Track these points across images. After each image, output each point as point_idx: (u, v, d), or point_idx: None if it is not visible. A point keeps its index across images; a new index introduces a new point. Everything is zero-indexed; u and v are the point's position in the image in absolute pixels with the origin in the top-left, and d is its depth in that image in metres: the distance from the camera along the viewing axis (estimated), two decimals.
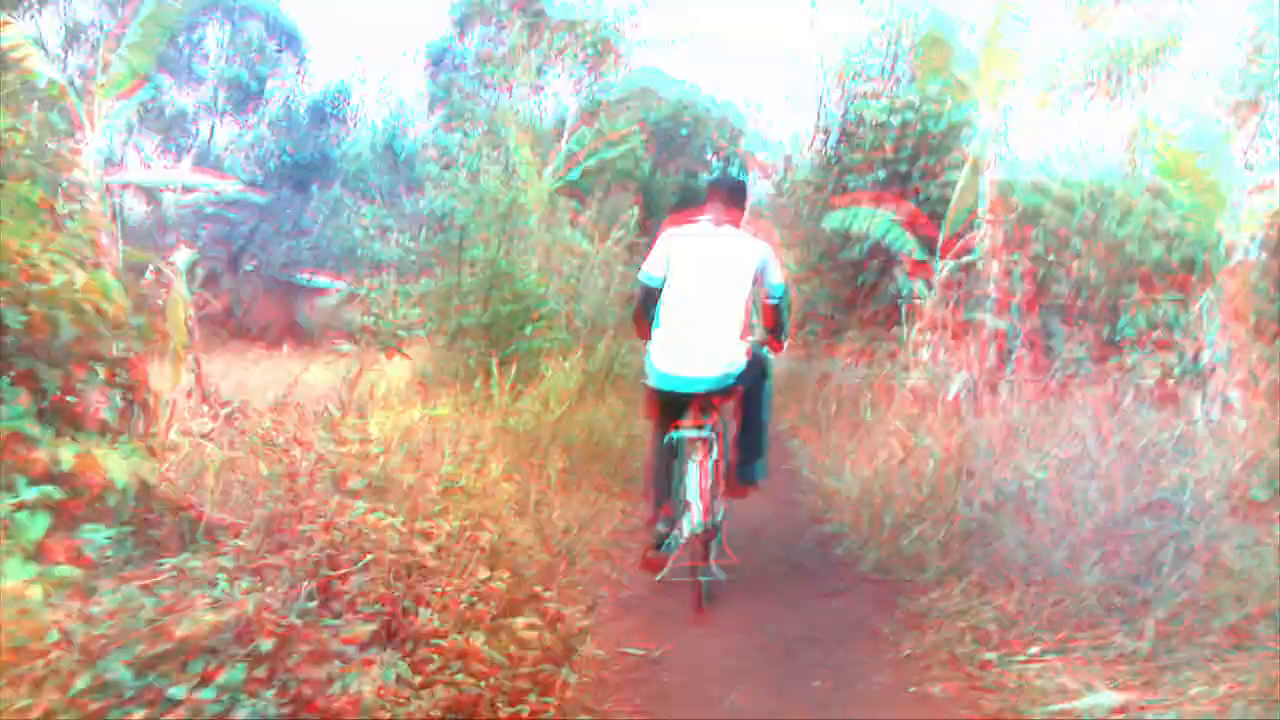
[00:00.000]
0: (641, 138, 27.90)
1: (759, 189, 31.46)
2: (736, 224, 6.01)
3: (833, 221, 14.25)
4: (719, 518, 5.82)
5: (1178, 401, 9.94)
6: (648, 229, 27.63)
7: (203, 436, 5.99)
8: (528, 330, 10.84)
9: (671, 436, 5.65)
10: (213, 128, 26.44)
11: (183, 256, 10.48)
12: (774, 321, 6.26)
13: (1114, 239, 13.96)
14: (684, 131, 33.63)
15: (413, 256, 14.99)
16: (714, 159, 34.27)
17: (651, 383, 5.82)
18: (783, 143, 31.78)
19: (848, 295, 15.43)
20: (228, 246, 25.01)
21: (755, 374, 5.97)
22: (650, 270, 5.91)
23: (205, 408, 9.42)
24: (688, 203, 31.10)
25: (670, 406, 5.76)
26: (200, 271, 11.47)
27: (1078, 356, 12.59)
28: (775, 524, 8.25)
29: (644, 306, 5.97)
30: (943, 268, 13.21)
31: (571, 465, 8.43)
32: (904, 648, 5.37)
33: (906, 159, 14.45)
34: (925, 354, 13.14)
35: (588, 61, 29.82)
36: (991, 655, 5.04)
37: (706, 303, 5.67)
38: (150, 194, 22.71)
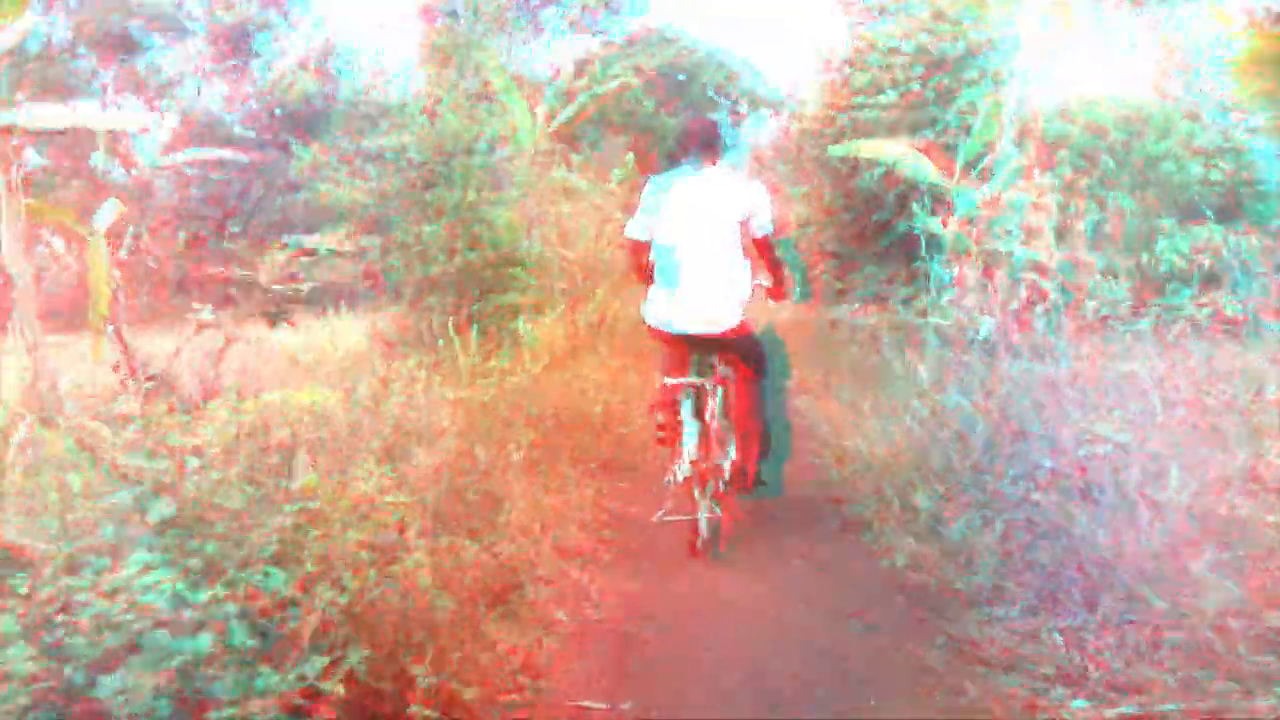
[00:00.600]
0: (639, 81, 26.63)
1: (765, 128, 30.31)
2: (714, 164, 5.71)
3: (840, 151, 12.64)
4: (717, 461, 5.62)
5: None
6: (644, 175, 26.24)
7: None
8: (507, 281, 9.25)
9: (665, 382, 5.63)
10: (199, 87, 24.76)
11: (107, 215, 8.90)
12: (769, 260, 5.99)
13: (1149, 157, 12.40)
14: (681, 76, 32.15)
15: (370, 203, 13.39)
16: (719, 100, 32.79)
17: (651, 326, 5.75)
18: (781, 89, 30.65)
19: (859, 232, 13.84)
20: (221, 208, 23.44)
21: (752, 354, 5.81)
22: (637, 223, 5.76)
23: (133, 383, 8.01)
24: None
25: (671, 350, 5.73)
26: (133, 230, 9.85)
27: (1117, 294, 11.08)
28: (788, 508, 6.67)
29: (635, 260, 5.90)
30: (965, 197, 11.60)
31: (544, 438, 6.93)
32: (964, 689, 3.87)
33: (919, 78, 12.80)
34: (948, 294, 11.56)
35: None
36: (1082, 704, 3.55)
37: (698, 248, 5.49)
38: (127, 157, 21.11)
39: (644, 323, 5.84)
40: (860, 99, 13.11)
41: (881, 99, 12.70)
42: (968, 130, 12.21)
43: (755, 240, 5.75)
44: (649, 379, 8.02)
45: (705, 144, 5.65)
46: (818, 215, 14.66)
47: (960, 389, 7.09)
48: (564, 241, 14.04)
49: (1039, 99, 12.18)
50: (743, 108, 33.32)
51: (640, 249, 5.77)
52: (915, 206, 12.54)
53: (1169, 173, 12.63)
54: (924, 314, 11.86)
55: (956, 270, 11.47)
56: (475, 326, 8.36)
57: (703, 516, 5.53)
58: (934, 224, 11.51)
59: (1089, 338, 9.72)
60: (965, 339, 9.96)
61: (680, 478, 5.57)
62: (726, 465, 5.67)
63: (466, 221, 9.11)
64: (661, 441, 5.80)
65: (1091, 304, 10.56)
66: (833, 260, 15.57)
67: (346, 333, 9.57)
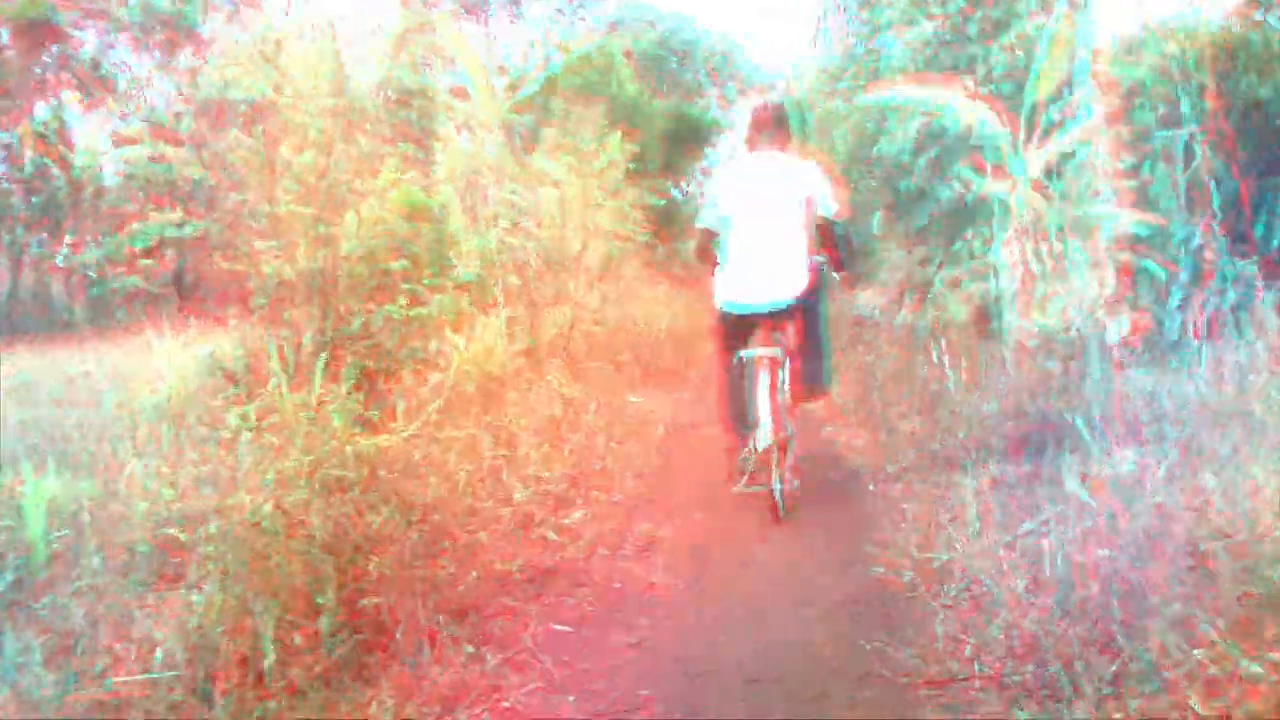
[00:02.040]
0: (623, 54, 23.72)
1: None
2: (784, 147, 5.59)
3: (866, 101, 9.34)
4: (790, 431, 5.40)
5: None
6: (635, 159, 23.01)
7: None
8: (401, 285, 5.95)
9: (740, 355, 5.42)
10: (144, 77, 21.34)
11: None
12: (831, 241, 5.57)
13: (1250, 100, 9.04)
14: (674, 61, 29.15)
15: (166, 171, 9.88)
16: (711, 85, 29.76)
17: (720, 307, 5.59)
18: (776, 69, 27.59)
19: (885, 206, 10.48)
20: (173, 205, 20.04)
21: (815, 290, 5.52)
22: (708, 211, 5.65)
23: None
24: (681, 133, 27.01)
25: (739, 329, 5.50)
26: None
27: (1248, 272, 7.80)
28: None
29: (704, 246, 5.74)
30: (1030, 157, 8.29)
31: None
32: None
33: (960, 11, 9.45)
34: (1012, 280, 8.27)
35: None
36: None
37: (766, 230, 5.37)
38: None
39: (720, 312, 5.63)
40: (886, 38, 9.79)
41: (911, 35, 9.39)
42: (1018, 71, 8.92)
43: (819, 222, 5.49)
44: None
45: (776, 128, 5.56)
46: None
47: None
48: (520, 230, 10.76)
49: (1108, 30, 8.91)
50: (736, 90, 30.23)
51: (710, 236, 5.64)
52: (963, 170, 9.22)
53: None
54: (983, 310, 8.56)
55: (1017, 247, 8.18)
56: (349, 353, 5.10)
57: (778, 487, 5.25)
58: (998, 188, 8.21)
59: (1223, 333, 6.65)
60: (1059, 343, 6.72)
61: (760, 449, 5.27)
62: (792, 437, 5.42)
63: (338, 198, 5.76)
64: (731, 430, 5.67)
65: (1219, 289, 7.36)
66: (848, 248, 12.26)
67: (172, 358, 6.24)
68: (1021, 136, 8.32)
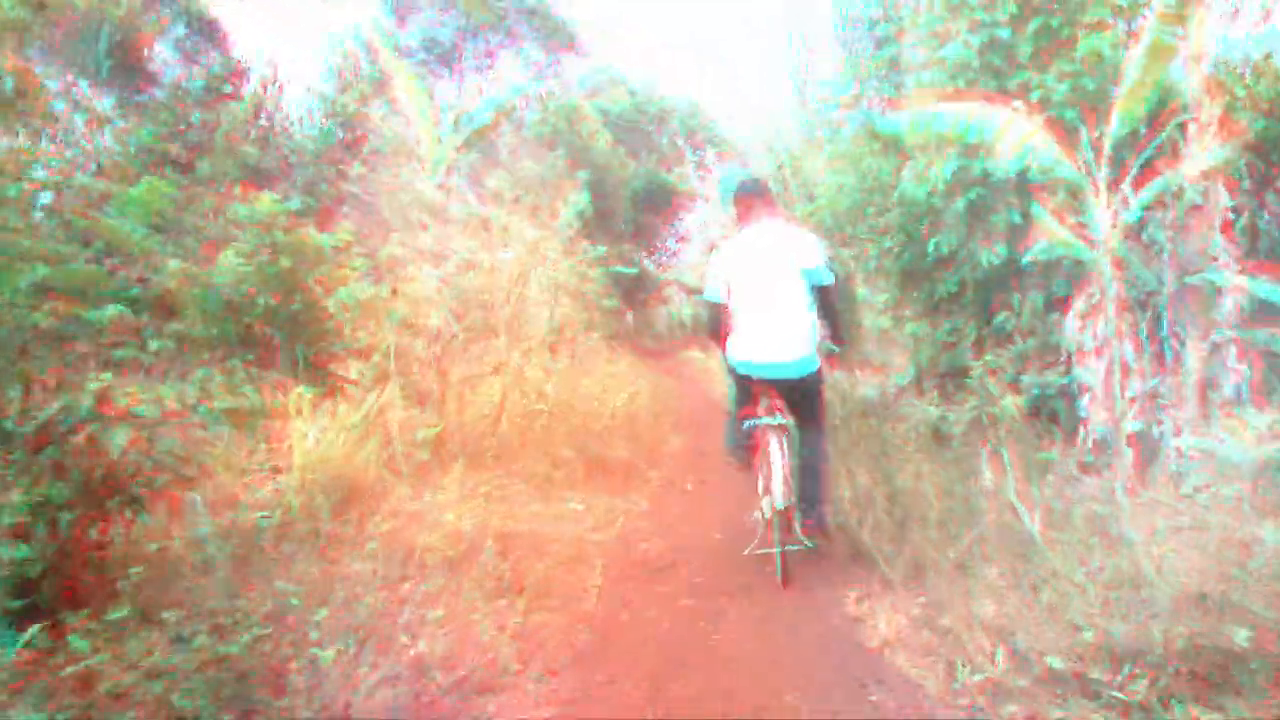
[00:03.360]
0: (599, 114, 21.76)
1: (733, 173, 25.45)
2: (775, 214, 5.45)
3: (889, 129, 6.85)
4: (796, 497, 5.04)
5: None
6: (604, 220, 20.65)
7: None
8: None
9: (752, 423, 5.14)
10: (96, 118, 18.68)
11: None
12: (827, 308, 5.33)
13: None
14: (649, 126, 27.06)
15: None
16: (687, 150, 27.59)
17: (737, 372, 5.24)
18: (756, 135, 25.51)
19: (903, 269, 7.90)
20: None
21: (821, 400, 5.38)
22: (713, 287, 5.41)
23: None
24: (655, 199, 24.70)
25: (754, 394, 5.20)
26: None
27: None
28: None
29: (713, 321, 5.50)
30: (1123, 199, 5.77)
31: None
32: None
33: (1007, 21, 7.00)
34: (1094, 371, 5.71)
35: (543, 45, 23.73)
36: None
37: (772, 298, 5.14)
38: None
39: (730, 369, 5.30)
40: (912, 53, 7.26)
41: (948, 51, 6.87)
42: (1086, 97, 6.48)
43: (817, 289, 5.21)
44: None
45: (764, 199, 5.44)
46: (820, 220, 8.67)
47: None
48: (446, 284, 8.16)
49: (1223, 36, 6.51)
50: (712, 155, 27.99)
51: (719, 311, 5.36)
52: (1014, 218, 6.73)
53: None
54: (1041, 407, 6.04)
55: (1101, 321, 5.65)
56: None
57: (778, 551, 4.86)
58: (1070, 245, 5.68)
59: None
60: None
61: (768, 514, 4.96)
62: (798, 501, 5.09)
63: None
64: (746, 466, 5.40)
65: None
66: (852, 312, 9.73)
67: None
68: (1102, 176, 5.80)
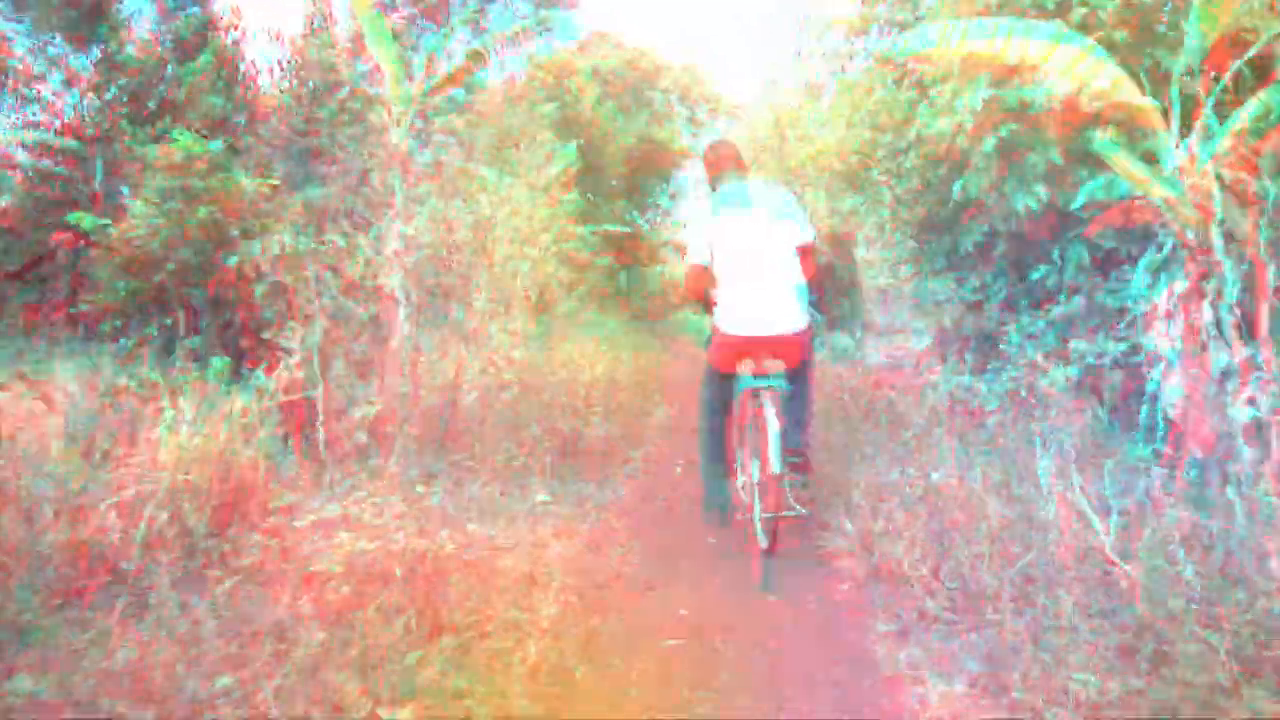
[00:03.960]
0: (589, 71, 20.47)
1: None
2: (746, 173, 5.28)
3: (904, 52, 5.66)
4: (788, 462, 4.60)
5: None
6: (594, 176, 19.44)
7: None
8: None
9: (746, 383, 4.79)
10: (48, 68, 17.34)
11: None
12: (810, 266, 5.00)
13: None
14: (642, 83, 25.78)
15: None
16: (681, 107, 26.29)
17: (723, 331, 4.90)
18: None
19: (920, 220, 6.72)
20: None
21: (811, 357, 5.10)
22: (696, 249, 5.04)
23: None
24: (648, 157, 23.44)
25: (740, 356, 4.84)
26: None
27: None
28: None
29: (698, 281, 5.05)
30: (1203, 129, 4.57)
31: None
32: None
33: None
34: (1169, 337, 4.53)
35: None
36: None
37: (761, 256, 4.86)
38: None
39: (718, 330, 4.94)
40: None
41: None
42: (1139, 14, 5.32)
43: (799, 247, 4.93)
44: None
45: (735, 161, 5.23)
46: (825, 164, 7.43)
47: None
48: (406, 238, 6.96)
49: None
50: (707, 111, 26.68)
51: (703, 274, 4.98)
52: (1053, 157, 5.57)
53: None
54: (1099, 382, 4.92)
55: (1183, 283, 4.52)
56: None
57: (759, 518, 4.52)
58: (1152, 180, 4.50)
59: None
60: None
61: (757, 478, 4.60)
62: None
63: None
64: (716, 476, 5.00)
65: None
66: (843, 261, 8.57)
67: None
68: (1175, 101, 4.61)
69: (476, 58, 12.42)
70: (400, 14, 19.12)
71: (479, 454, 5.93)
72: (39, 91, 16.53)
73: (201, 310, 6.21)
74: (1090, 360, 5.18)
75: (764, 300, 4.79)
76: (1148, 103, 4.69)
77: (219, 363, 5.22)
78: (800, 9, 12.56)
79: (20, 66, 16.27)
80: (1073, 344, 5.23)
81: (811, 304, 5.03)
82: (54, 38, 16.35)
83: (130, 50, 16.15)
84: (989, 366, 5.81)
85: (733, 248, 4.90)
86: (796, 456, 4.81)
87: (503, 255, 9.79)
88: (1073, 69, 4.86)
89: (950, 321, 6.33)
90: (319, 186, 6.77)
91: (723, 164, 5.23)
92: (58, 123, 15.88)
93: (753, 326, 4.77)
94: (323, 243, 6.60)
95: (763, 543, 4.40)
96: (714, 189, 5.27)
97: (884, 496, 4.35)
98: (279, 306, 5.78)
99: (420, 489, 4.85)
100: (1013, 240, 6.17)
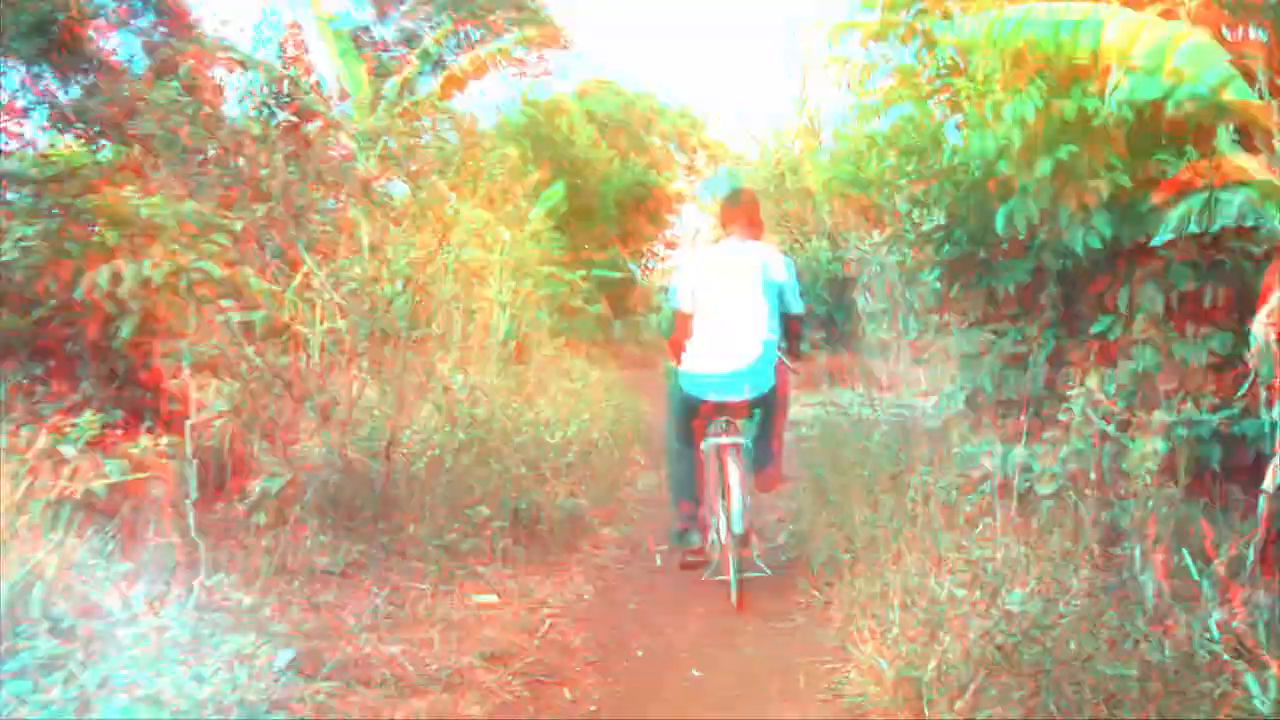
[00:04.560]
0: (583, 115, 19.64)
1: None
2: (759, 236, 5.08)
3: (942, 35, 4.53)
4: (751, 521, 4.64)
5: None
6: (584, 220, 18.41)
7: None
8: None
9: (708, 443, 4.71)
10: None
11: None
12: (793, 336, 5.07)
13: None
14: (638, 129, 24.99)
15: None
16: (677, 153, 25.43)
17: (686, 391, 4.83)
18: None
19: (949, 260, 5.54)
20: None
21: (780, 386, 4.90)
22: (680, 295, 5.00)
23: None
24: (642, 198, 22.57)
25: (703, 414, 4.77)
26: None
27: None
28: None
29: (675, 330, 5.04)
30: None
31: None
32: None
33: None
34: None
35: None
36: None
37: (736, 319, 4.75)
38: None
39: (680, 388, 4.84)
40: None
41: None
42: None
43: (786, 316, 4.89)
44: None
45: (749, 217, 5.03)
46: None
47: None
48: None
49: None
50: (702, 158, 25.71)
51: (685, 320, 4.90)
52: (1110, 179, 4.42)
53: None
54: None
55: None
56: None
57: (735, 577, 4.42)
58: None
59: None
60: None
61: (724, 539, 4.51)
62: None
63: None
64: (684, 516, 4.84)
65: None
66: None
67: None
68: None
69: (452, 83, 11.37)
70: (372, 34, 18.20)
71: (414, 535, 4.72)
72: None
73: (87, 355, 5.01)
74: (1180, 432, 3.97)
75: (732, 362, 4.63)
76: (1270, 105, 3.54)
77: (93, 422, 4.00)
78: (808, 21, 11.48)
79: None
80: (1156, 413, 4.02)
81: (785, 355, 4.94)
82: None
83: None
84: (1043, 437, 4.60)
85: (713, 302, 4.77)
86: (769, 472, 4.88)
87: (472, 298, 8.64)
88: (1163, 64, 3.71)
89: (990, 381, 5.13)
90: (245, 209, 5.56)
91: (733, 220, 5.02)
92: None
93: (717, 391, 4.63)
94: (236, 274, 5.41)
95: (732, 601, 4.37)
96: (720, 235, 5.11)
97: (934, 632, 3.09)
98: (159, 351, 4.58)
99: (297, 583, 3.63)
100: (1064, 282, 5.00)
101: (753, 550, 4.64)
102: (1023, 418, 4.56)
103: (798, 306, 4.94)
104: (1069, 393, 4.42)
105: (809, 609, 4.23)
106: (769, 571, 4.64)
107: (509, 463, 5.54)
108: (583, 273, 15.26)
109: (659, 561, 5.07)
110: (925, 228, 5.55)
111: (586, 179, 18.86)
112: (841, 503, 4.94)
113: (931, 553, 3.73)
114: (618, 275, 19.71)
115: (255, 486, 4.36)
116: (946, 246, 5.46)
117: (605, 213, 20.43)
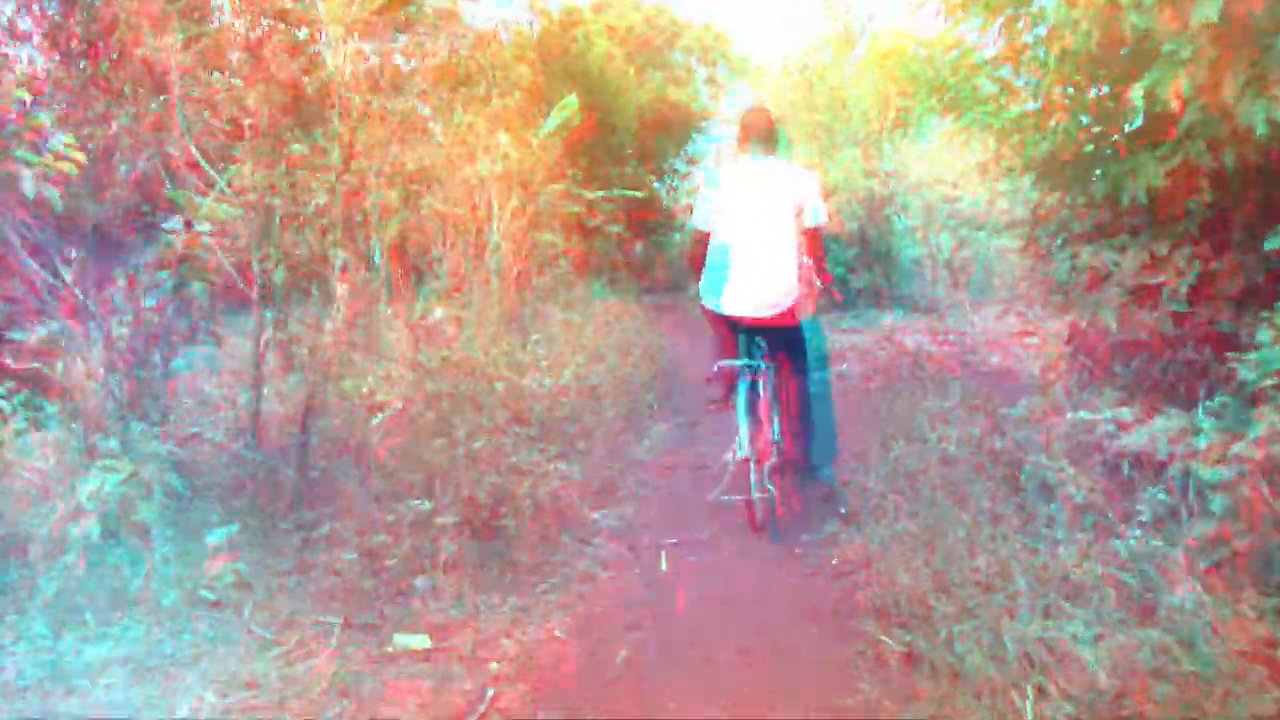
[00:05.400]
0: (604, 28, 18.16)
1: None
2: (772, 154, 4.73)
3: None
4: (770, 439, 4.30)
5: None
6: (603, 137, 16.88)
7: None
8: None
9: (721, 365, 4.56)
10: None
11: None
12: (816, 249, 4.69)
13: None
14: (660, 41, 23.46)
15: None
16: (700, 67, 23.79)
17: (711, 309, 4.56)
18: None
19: (1053, 153, 4.02)
20: None
21: (798, 343, 4.61)
22: (701, 215, 4.69)
23: None
24: (666, 119, 20.99)
25: (724, 333, 4.64)
26: None
27: None
28: None
29: (696, 250, 4.74)
30: None
31: None
32: None
33: None
34: None
35: None
36: None
37: (756, 235, 4.51)
38: None
39: (701, 304, 4.65)
40: None
41: None
42: None
43: (806, 230, 4.57)
44: None
45: (763, 134, 4.71)
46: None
47: None
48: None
49: None
50: (729, 71, 23.88)
51: (702, 239, 4.66)
52: None
53: None
54: None
55: None
56: None
57: (757, 496, 4.19)
58: None
59: None
60: None
61: (739, 457, 4.29)
62: (778, 445, 4.35)
63: None
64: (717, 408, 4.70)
65: None
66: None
67: None
68: None
69: None
70: None
71: (345, 528, 3.39)
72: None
73: None
74: None
75: (761, 284, 4.44)
76: None
77: None
78: None
79: None
80: None
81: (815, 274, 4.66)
82: None
83: None
84: (1198, 401, 3.17)
85: (734, 224, 4.54)
86: (818, 479, 4.59)
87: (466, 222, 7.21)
88: None
89: (1114, 318, 3.66)
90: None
91: (750, 134, 4.79)
92: None
93: (739, 305, 4.44)
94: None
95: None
96: (739, 154, 4.87)
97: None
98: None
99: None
100: (1221, 184, 3.50)
101: (764, 474, 4.16)
102: (1155, 371, 3.12)
103: (820, 219, 4.65)
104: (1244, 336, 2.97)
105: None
106: (772, 491, 4.10)
107: (474, 425, 4.17)
108: (602, 193, 13.90)
109: (664, 565, 3.69)
110: (1017, 111, 4.03)
111: (605, 94, 17.29)
112: (919, 500, 3.50)
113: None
114: (640, 194, 18.24)
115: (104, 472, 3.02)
116: (1048, 136, 3.94)
117: (626, 129, 18.88)
